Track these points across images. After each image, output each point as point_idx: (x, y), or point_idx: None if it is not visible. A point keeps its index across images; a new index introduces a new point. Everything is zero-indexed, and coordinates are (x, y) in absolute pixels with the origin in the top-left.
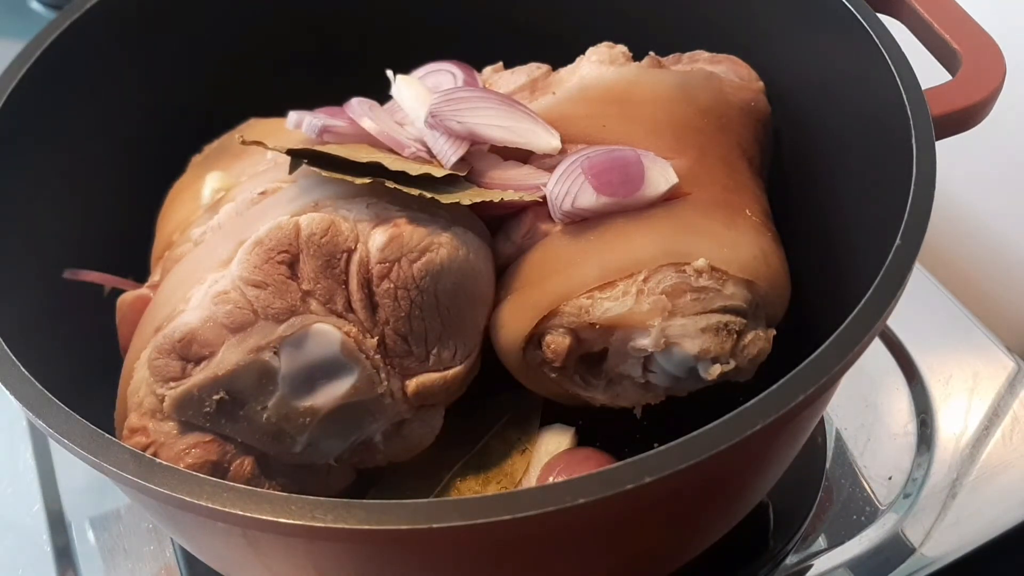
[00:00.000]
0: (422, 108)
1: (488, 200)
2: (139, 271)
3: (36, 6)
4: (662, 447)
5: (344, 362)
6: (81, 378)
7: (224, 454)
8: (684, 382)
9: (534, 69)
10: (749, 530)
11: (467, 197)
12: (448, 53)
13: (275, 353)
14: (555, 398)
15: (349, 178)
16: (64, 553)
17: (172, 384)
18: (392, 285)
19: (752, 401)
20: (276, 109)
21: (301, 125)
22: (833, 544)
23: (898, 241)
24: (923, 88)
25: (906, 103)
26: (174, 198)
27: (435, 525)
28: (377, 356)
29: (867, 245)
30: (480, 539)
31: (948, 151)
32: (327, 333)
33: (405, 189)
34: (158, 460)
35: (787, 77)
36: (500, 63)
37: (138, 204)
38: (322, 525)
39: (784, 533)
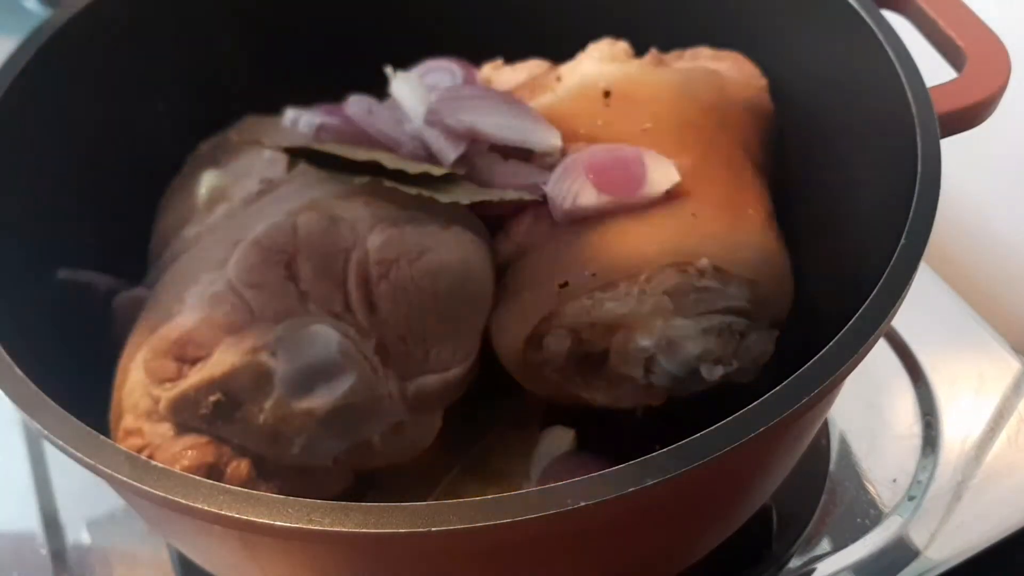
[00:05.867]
0: (421, 106)
1: (487, 199)
2: (135, 271)
3: (31, 4)
4: (664, 449)
5: (342, 363)
6: (76, 379)
7: (220, 456)
8: (686, 383)
9: (534, 66)
10: (752, 533)
11: (466, 196)
12: (447, 50)
13: (272, 354)
14: (555, 399)
15: (347, 177)
16: (59, 556)
17: (168, 385)
18: (391, 285)
19: (755, 403)
20: (273, 106)
21: (298, 123)
22: (837, 547)
23: (903, 240)
24: (928, 86)
25: (911, 100)
26: (170, 197)
27: (434, 528)
28: (375, 357)
29: (872, 244)
30: (479, 542)
31: (953, 149)
32: (325, 334)
33: (403, 188)
34: (153, 462)
35: (790, 74)
36: (500, 60)
37: (134, 203)
38: (319, 528)
39: (787, 536)
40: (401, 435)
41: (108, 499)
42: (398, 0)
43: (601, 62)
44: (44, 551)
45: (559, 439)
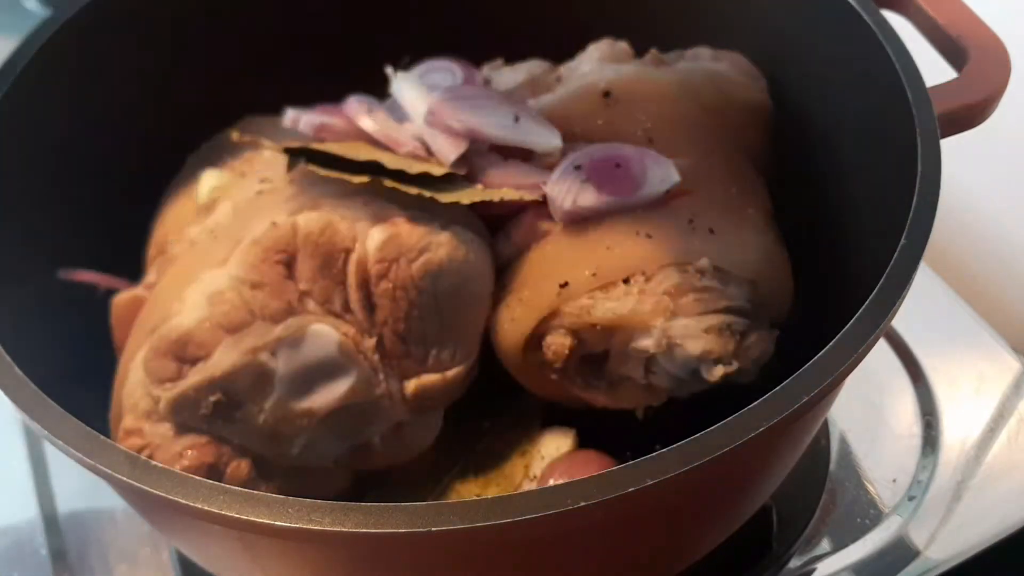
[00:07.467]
0: (421, 106)
1: (487, 199)
2: (134, 271)
3: (31, 4)
4: (664, 450)
5: (342, 363)
6: (76, 379)
7: (220, 456)
8: (686, 383)
9: (535, 66)
10: (752, 533)
11: (466, 196)
12: (448, 50)
13: (272, 354)
14: (556, 399)
15: (347, 177)
16: (59, 556)
17: (168, 385)
18: (390, 285)
19: (755, 403)
20: (273, 107)
21: (298, 123)
22: (837, 547)
23: (903, 240)
24: (928, 85)
25: (910, 100)
26: (170, 197)
27: (434, 528)
28: (375, 357)
29: (871, 244)
30: (479, 543)
31: (953, 149)
32: (325, 334)
33: (403, 188)
34: (153, 462)
35: (790, 74)
36: (500, 60)
37: (134, 203)
38: (319, 528)
39: (787, 536)
40: (401, 435)
41: (108, 499)
42: (400, 1)
43: (601, 62)
44: (44, 551)
45: (559, 439)
